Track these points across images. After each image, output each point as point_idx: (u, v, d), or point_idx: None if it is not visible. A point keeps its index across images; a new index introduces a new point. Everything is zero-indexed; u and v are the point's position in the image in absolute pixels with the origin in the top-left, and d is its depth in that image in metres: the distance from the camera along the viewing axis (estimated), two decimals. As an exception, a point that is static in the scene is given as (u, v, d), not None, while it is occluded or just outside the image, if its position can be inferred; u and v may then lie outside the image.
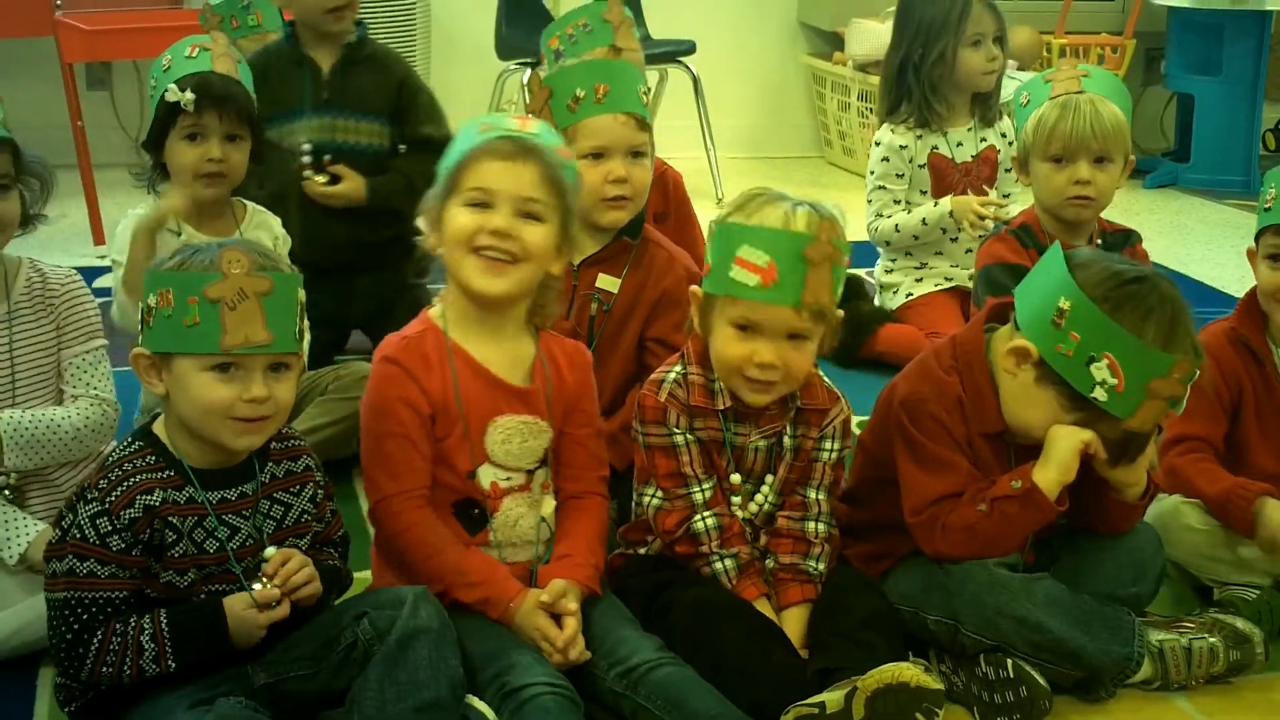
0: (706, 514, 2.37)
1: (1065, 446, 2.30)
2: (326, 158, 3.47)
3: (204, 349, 2.01)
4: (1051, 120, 3.11)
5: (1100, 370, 2.24)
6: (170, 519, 2.04)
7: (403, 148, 3.59)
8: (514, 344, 2.37)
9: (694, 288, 2.39)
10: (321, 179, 3.46)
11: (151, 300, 2.04)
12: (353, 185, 3.47)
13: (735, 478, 2.41)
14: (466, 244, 2.28)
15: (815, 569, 2.40)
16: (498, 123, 2.34)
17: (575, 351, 2.44)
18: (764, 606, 2.35)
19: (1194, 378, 2.27)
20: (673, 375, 2.39)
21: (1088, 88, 3.12)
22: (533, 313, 2.38)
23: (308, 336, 2.13)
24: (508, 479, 2.34)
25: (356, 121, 3.52)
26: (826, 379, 2.47)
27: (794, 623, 2.35)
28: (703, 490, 2.38)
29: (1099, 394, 2.25)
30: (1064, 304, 2.25)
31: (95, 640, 2.02)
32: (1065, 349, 2.26)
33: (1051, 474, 2.30)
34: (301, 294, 2.08)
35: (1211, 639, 2.40)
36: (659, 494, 2.39)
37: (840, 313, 2.36)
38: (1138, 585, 2.45)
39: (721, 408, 2.37)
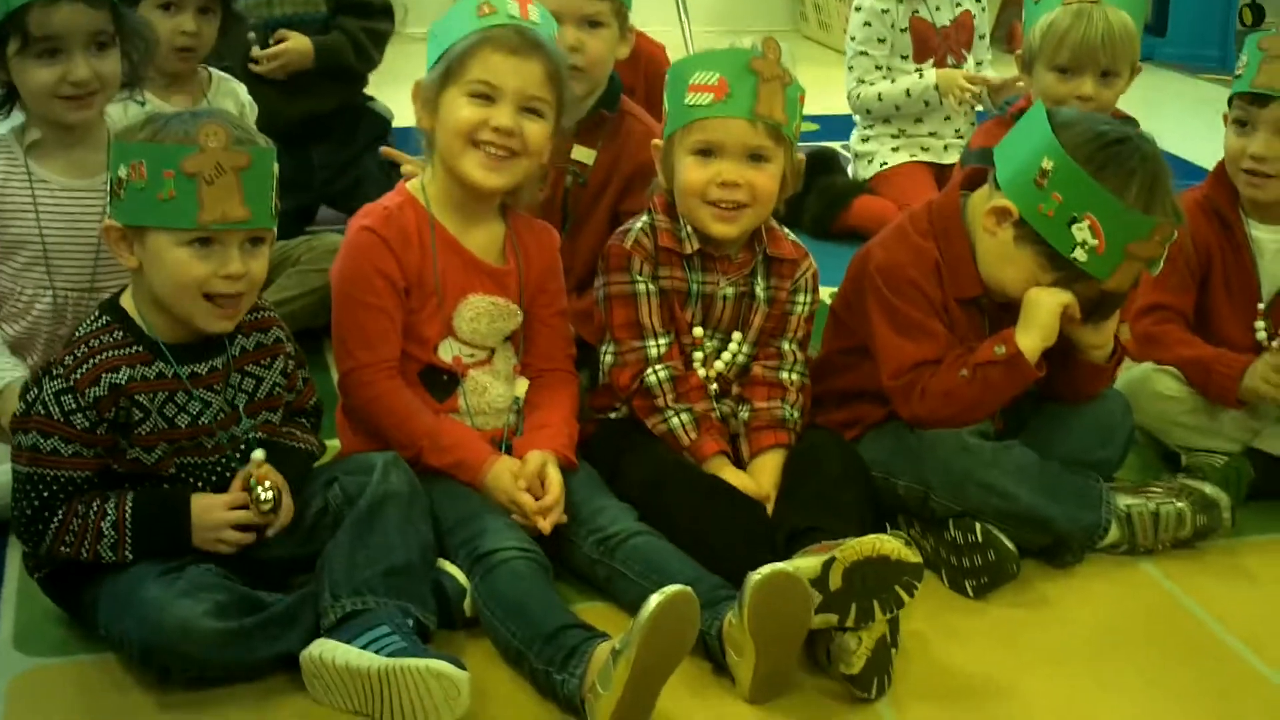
0: (659, 367, 2.38)
1: (1046, 309, 2.30)
2: (272, 41, 3.48)
3: (181, 224, 1.98)
4: (1063, 28, 3.03)
5: (1081, 231, 2.24)
6: (137, 396, 2.02)
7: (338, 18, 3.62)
8: (488, 224, 2.38)
9: (655, 140, 2.43)
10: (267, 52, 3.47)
11: (122, 172, 2.00)
12: (298, 43, 3.49)
13: (698, 330, 2.42)
14: (467, 136, 2.27)
15: (790, 415, 2.43)
16: (500, 6, 2.31)
17: (543, 232, 2.45)
18: (723, 464, 2.37)
19: (1173, 239, 2.29)
20: (639, 225, 2.42)
21: None
22: (508, 195, 2.37)
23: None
24: (471, 355, 2.35)
25: None
26: (790, 232, 2.51)
27: (768, 468, 2.38)
28: (658, 344, 2.39)
29: (1079, 254, 2.25)
30: (1047, 164, 2.25)
31: (56, 518, 2.02)
32: (1047, 209, 2.25)
33: (1034, 338, 2.30)
34: (276, 167, 2.05)
35: (1179, 504, 2.43)
36: (613, 347, 2.41)
37: (801, 157, 2.41)
38: (1106, 450, 2.46)
39: (689, 252, 2.39)
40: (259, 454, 2.09)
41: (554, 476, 2.24)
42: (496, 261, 2.36)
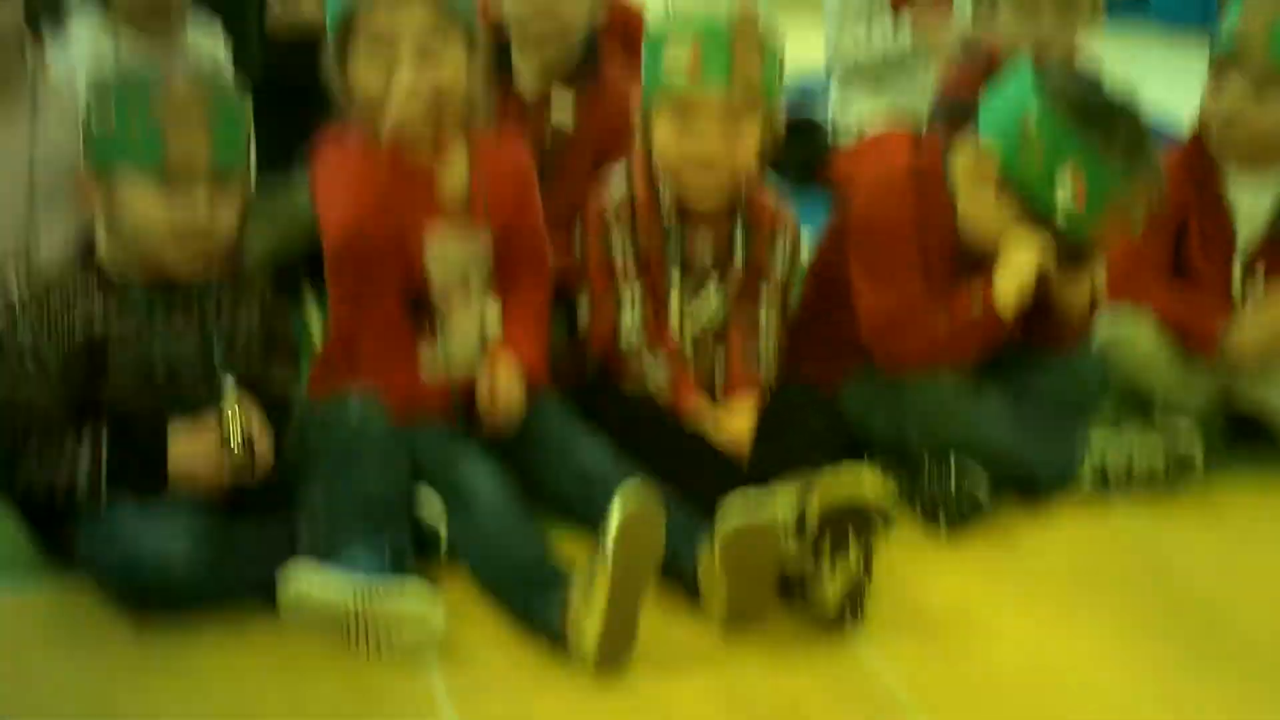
0: (633, 328, 2.38)
1: (1024, 261, 2.31)
2: None
3: (145, 163, 1.98)
4: None
5: (1063, 185, 2.25)
6: (111, 336, 2.02)
7: None
8: (450, 155, 2.34)
9: (634, 104, 2.42)
10: None
11: (94, 116, 2.00)
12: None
13: (674, 288, 2.41)
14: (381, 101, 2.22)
15: (765, 361, 2.44)
16: None
17: (513, 152, 2.42)
18: (700, 413, 2.37)
19: (1153, 196, 2.30)
20: (618, 184, 2.41)
21: None
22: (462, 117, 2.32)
23: (254, 158, 2.09)
24: (444, 287, 2.31)
25: None
26: (771, 185, 2.50)
27: (741, 416, 2.38)
28: (633, 306, 2.39)
29: (1060, 208, 2.27)
30: (1031, 118, 2.26)
31: (31, 457, 2.02)
32: (1029, 162, 2.27)
33: (1010, 287, 2.32)
34: (249, 114, 2.04)
35: (1151, 447, 2.45)
36: (589, 305, 2.41)
37: (782, 116, 2.39)
38: (1081, 395, 2.48)
39: (666, 213, 2.38)
40: (231, 395, 2.09)
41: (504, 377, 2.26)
42: (459, 193, 2.33)
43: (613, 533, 1.86)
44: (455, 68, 2.25)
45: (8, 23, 2.46)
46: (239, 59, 3.19)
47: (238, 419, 2.07)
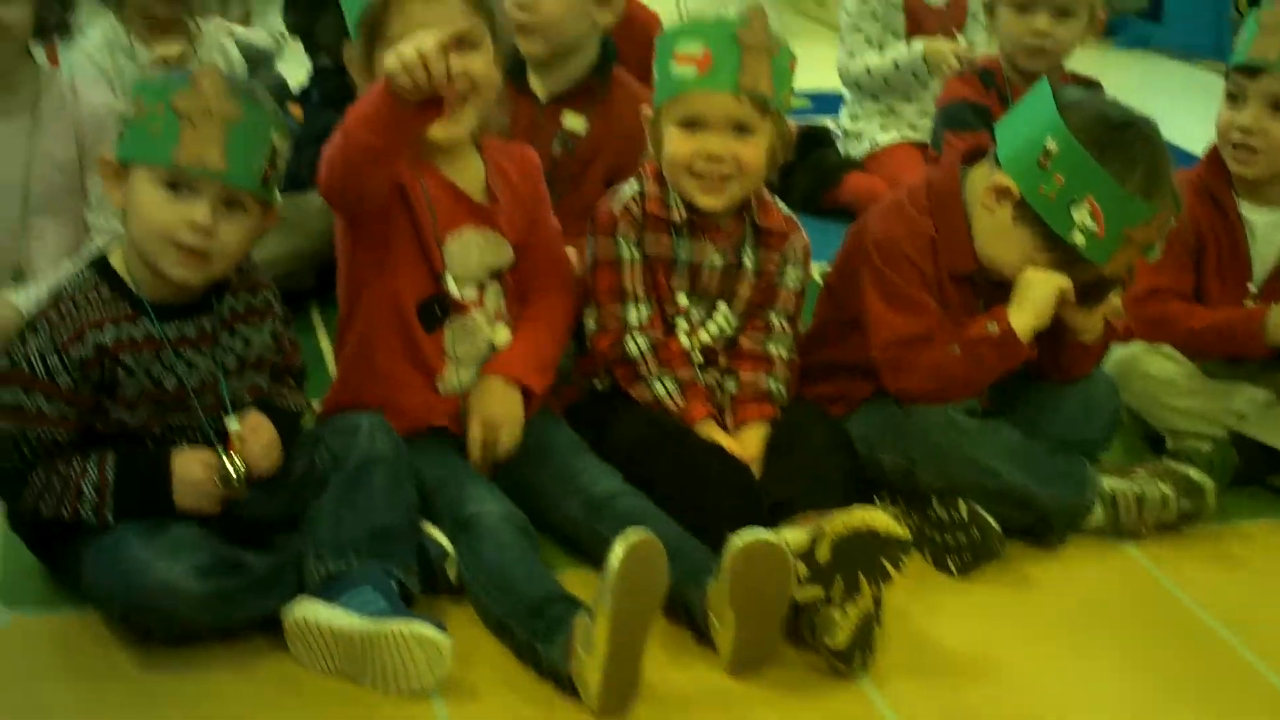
0: (639, 336, 2.37)
1: (1042, 292, 2.29)
2: None
3: (156, 159, 1.95)
4: None
5: (1081, 214, 2.23)
6: (122, 357, 1.99)
7: None
8: (466, 161, 2.33)
9: (644, 108, 2.41)
10: None
11: (130, 110, 2.00)
12: None
13: (682, 299, 2.40)
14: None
15: (776, 389, 2.42)
16: None
17: (522, 157, 2.41)
18: (712, 428, 2.36)
19: (1171, 226, 2.29)
20: (629, 190, 2.41)
21: None
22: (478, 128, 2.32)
23: (277, 185, 2.05)
24: (460, 292, 2.30)
25: None
26: (783, 204, 2.48)
27: (752, 440, 2.36)
28: (639, 311, 2.38)
29: (1077, 238, 2.25)
30: (1050, 145, 2.24)
31: (37, 477, 2.00)
32: (1048, 190, 2.25)
33: (1027, 318, 2.30)
34: (277, 138, 1.99)
35: (1163, 487, 2.42)
36: (595, 313, 2.40)
37: (793, 124, 2.39)
38: (1092, 431, 2.46)
39: (676, 220, 2.38)
40: (234, 426, 2.06)
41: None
42: (481, 198, 2.32)
43: (611, 578, 1.84)
44: (486, 61, 2.24)
45: (16, 21, 2.45)
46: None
47: (236, 459, 2.04)
